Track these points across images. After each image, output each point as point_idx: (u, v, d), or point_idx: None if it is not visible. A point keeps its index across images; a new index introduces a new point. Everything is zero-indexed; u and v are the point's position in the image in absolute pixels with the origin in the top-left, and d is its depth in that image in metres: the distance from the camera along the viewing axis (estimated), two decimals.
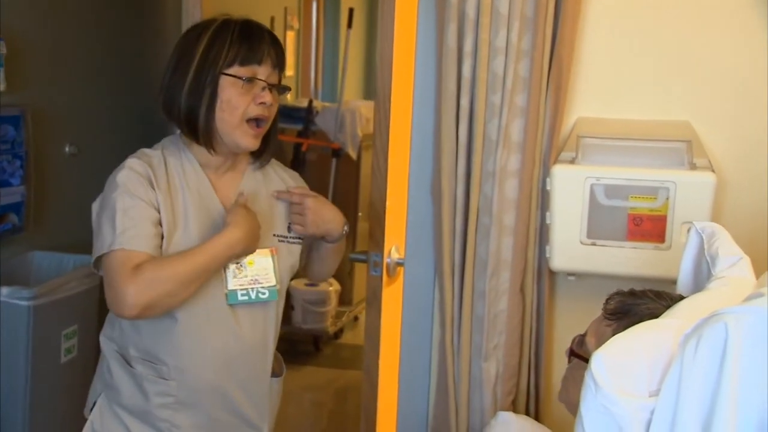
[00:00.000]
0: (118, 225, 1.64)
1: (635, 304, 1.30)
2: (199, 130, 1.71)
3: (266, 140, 1.82)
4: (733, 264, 1.26)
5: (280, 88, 1.77)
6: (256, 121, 1.72)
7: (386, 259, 2.17)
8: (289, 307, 4.76)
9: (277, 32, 5.81)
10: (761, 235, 1.91)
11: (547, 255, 1.90)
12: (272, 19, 5.59)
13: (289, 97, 5.73)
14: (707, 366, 1.02)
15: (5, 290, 2.54)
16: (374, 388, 2.23)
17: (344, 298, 4.98)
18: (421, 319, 2.13)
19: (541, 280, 1.96)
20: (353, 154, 4.96)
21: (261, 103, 1.70)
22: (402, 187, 2.09)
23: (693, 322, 1.06)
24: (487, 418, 1.93)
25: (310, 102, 5.09)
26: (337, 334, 4.87)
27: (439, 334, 2.04)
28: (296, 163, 5.03)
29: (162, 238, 1.68)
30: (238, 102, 1.68)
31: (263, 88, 1.70)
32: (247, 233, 1.69)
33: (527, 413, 1.99)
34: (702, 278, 1.34)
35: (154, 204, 1.68)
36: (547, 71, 1.87)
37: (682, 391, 1.03)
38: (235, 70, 1.68)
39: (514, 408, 1.99)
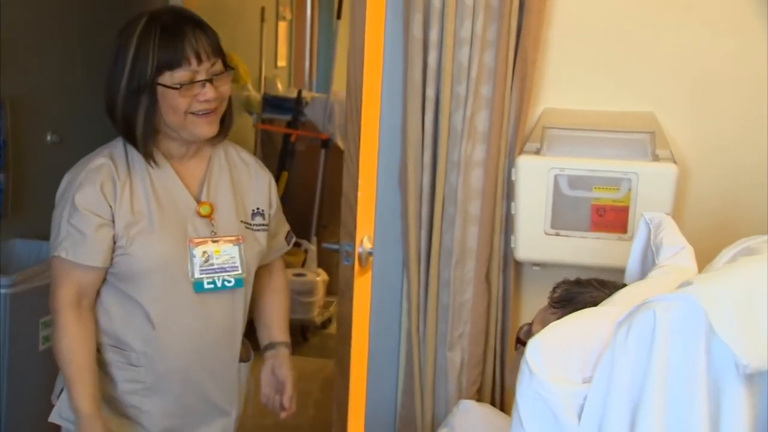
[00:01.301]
0: (62, 231, 1.71)
1: (579, 292, 1.32)
2: (137, 136, 1.72)
3: (222, 119, 1.81)
4: (675, 253, 1.28)
5: (225, 72, 1.74)
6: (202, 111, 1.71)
7: (358, 249, 2.19)
8: None
9: (268, 23, 5.83)
10: (726, 226, 1.93)
11: (512, 245, 1.91)
12: (263, 10, 5.59)
13: (280, 87, 5.74)
14: (637, 353, 1.04)
15: None
16: (346, 376, 2.25)
17: (332, 288, 4.99)
18: (390, 308, 2.14)
19: (507, 269, 1.98)
20: (342, 145, 4.96)
21: (204, 100, 1.69)
22: (371, 177, 2.11)
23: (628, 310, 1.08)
24: (452, 406, 1.94)
25: (299, 92, 5.10)
26: (325, 323, 4.89)
27: (407, 323, 2.06)
28: (285, 153, 5.04)
29: (115, 242, 1.73)
30: (179, 103, 1.69)
31: (203, 86, 1.69)
32: None
33: (492, 402, 2.01)
34: (648, 267, 1.36)
35: (104, 214, 1.71)
36: (512, 62, 1.88)
37: (613, 377, 1.06)
38: (168, 77, 1.67)
39: (479, 397, 2.01)
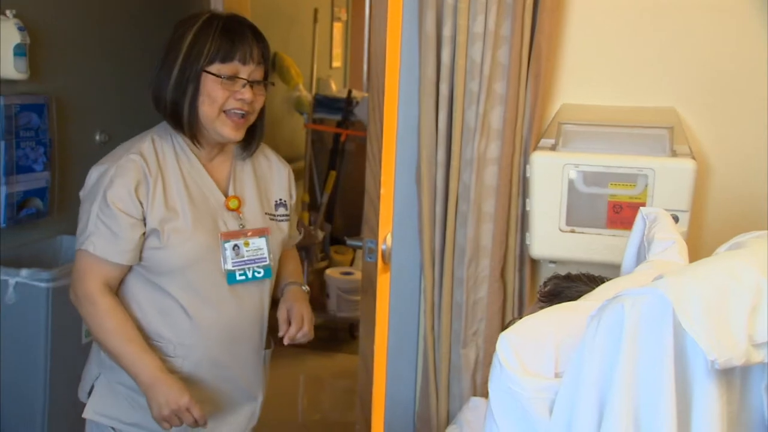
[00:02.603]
0: (91, 225, 1.77)
1: (567, 287, 1.30)
2: (183, 122, 1.79)
3: (253, 131, 1.90)
4: (666, 248, 1.25)
5: (264, 84, 1.84)
6: (236, 113, 1.79)
7: (381, 246, 2.20)
8: (324, 295, 4.82)
9: (322, 24, 5.89)
10: (749, 222, 1.87)
11: (528, 242, 1.89)
12: (316, 11, 5.65)
13: (334, 88, 5.79)
14: (605, 347, 1.02)
15: (25, 272, 2.65)
16: (369, 373, 2.27)
17: None
18: (409, 306, 2.15)
19: (523, 267, 1.96)
20: None
21: (240, 99, 1.77)
22: (390, 175, 2.12)
23: None
24: None
25: (349, 92, 5.14)
26: None
27: (424, 322, 2.06)
28: (335, 153, 5.09)
29: (145, 240, 1.79)
30: (218, 96, 1.76)
31: (243, 85, 1.77)
32: (159, 402, 1.76)
33: None
34: (640, 263, 1.33)
35: (135, 214, 1.77)
36: (527, 58, 1.86)
37: (582, 372, 1.04)
38: (216, 67, 1.76)
39: None
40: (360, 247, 2.25)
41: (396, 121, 2.07)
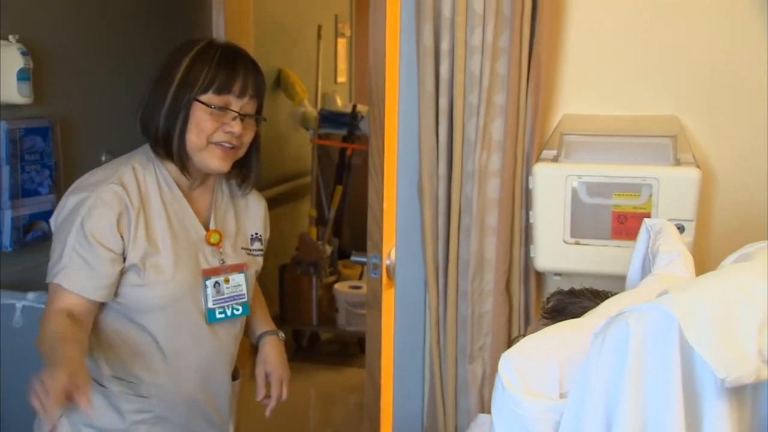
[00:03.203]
0: (65, 258, 1.64)
1: (571, 302, 1.26)
2: (173, 151, 1.71)
3: (248, 167, 1.83)
4: (671, 261, 1.21)
5: (256, 119, 1.76)
6: (224, 145, 1.71)
7: (386, 261, 2.16)
8: (333, 309, 4.78)
9: (327, 40, 5.87)
10: (757, 231, 1.83)
11: (532, 255, 1.85)
12: (319, 28, 5.63)
13: (339, 103, 5.77)
14: (610, 365, 0.98)
15: (31, 295, 2.62)
16: (377, 388, 2.23)
17: None
18: (415, 321, 2.11)
19: (528, 280, 1.92)
20: None
21: (228, 131, 1.69)
22: (392, 189, 2.09)
23: None
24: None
25: (354, 107, 5.11)
26: None
27: (429, 336, 2.02)
28: (341, 167, 5.06)
29: (123, 276, 1.68)
30: (206, 126, 1.68)
31: (234, 118, 1.70)
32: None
33: None
34: (645, 275, 1.29)
35: (115, 249, 1.65)
36: (526, 69, 1.82)
37: (587, 391, 1.00)
38: (208, 97, 1.68)
39: None
40: (364, 263, 2.22)
41: (397, 136, 2.03)
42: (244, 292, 1.82)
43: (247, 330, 1.97)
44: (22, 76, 2.66)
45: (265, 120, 1.80)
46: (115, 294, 1.69)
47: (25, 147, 2.75)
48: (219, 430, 1.89)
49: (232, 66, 1.70)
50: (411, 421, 2.12)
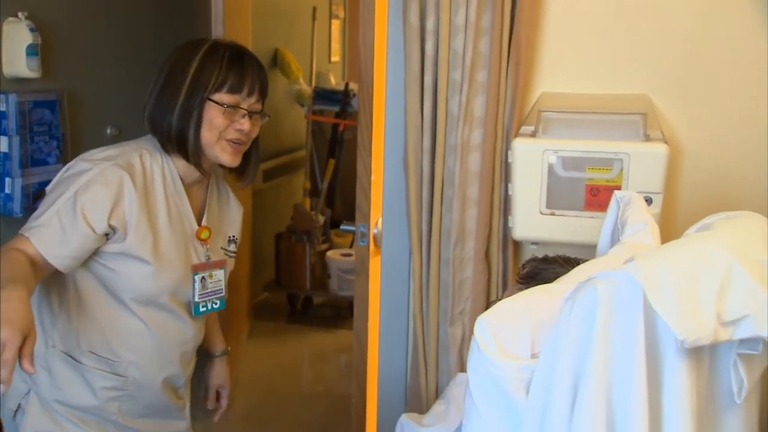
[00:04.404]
0: (44, 218, 1.57)
1: (544, 269, 1.26)
2: (188, 148, 1.68)
3: (248, 160, 1.80)
4: (638, 231, 1.21)
5: (261, 115, 1.75)
6: (233, 140, 1.70)
7: (373, 230, 2.16)
8: (326, 275, 4.79)
9: (321, 21, 5.82)
10: (723, 203, 1.82)
11: (510, 225, 1.85)
12: (314, 9, 5.58)
13: (332, 81, 5.74)
14: (579, 329, 0.98)
15: None
16: (363, 350, 2.23)
17: None
18: (399, 287, 2.11)
19: (506, 248, 1.92)
20: None
21: (238, 129, 1.68)
22: (379, 162, 2.08)
23: None
24: None
25: (347, 85, 5.08)
26: None
27: (413, 301, 2.02)
28: (334, 142, 5.04)
29: (123, 262, 1.64)
30: (219, 123, 1.67)
31: (243, 116, 1.68)
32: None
33: None
34: (615, 244, 1.28)
35: (98, 229, 1.58)
36: (507, 48, 1.81)
37: (557, 353, 1.00)
38: (220, 96, 1.66)
39: None
40: (353, 232, 2.21)
41: (384, 111, 2.02)
42: (222, 287, 1.82)
43: (206, 337, 1.95)
44: (31, 51, 2.63)
45: (269, 117, 1.78)
46: (110, 274, 1.65)
47: (34, 119, 2.72)
48: (179, 408, 1.89)
49: (241, 66, 1.68)
50: (395, 379, 2.13)
